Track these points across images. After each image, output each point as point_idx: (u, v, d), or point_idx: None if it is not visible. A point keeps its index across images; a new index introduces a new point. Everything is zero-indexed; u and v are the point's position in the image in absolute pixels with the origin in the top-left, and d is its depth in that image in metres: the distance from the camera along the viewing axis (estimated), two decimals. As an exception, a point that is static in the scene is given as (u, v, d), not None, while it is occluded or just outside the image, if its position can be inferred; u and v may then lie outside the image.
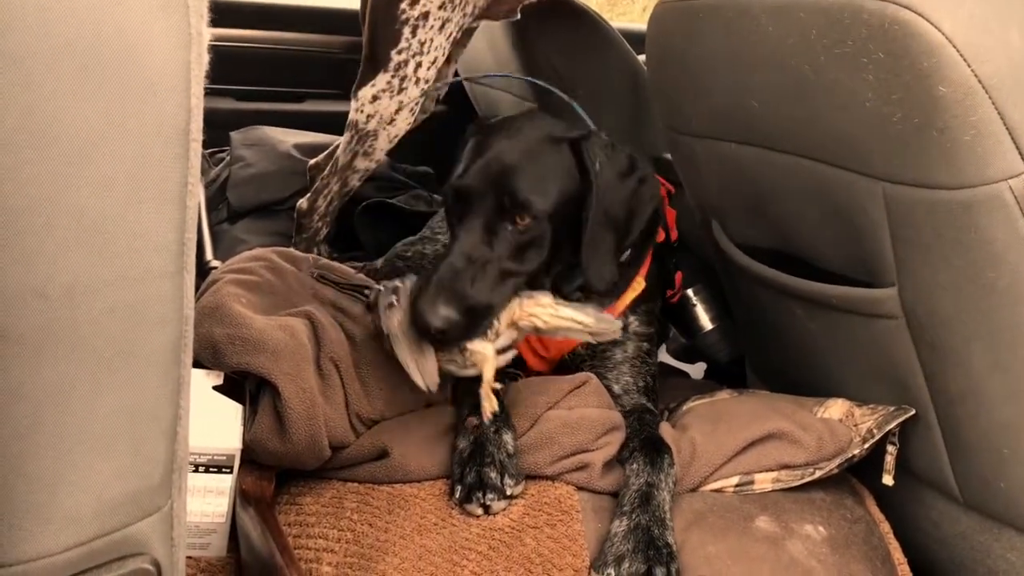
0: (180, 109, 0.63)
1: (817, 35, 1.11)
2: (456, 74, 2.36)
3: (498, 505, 1.19)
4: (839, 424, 1.35)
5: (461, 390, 1.36)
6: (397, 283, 1.29)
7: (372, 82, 1.88)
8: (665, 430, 1.36)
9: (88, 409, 0.62)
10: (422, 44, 1.85)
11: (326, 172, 2.03)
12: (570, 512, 1.20)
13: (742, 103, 1.32)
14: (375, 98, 1.88)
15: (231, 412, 1.22)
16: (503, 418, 1.27)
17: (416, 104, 1.91)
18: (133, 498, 0.67)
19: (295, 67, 2.99)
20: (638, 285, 1.50)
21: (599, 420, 1.30)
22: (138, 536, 0.68)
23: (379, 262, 2.10)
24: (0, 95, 0.54)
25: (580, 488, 1.26)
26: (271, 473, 1.24)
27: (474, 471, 1.20)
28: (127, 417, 0.65)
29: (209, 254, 2.10)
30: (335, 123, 2.00)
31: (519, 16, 2.16)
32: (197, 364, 1.25)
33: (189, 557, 1.17)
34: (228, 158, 2.58)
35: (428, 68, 1.88)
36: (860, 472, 1.38)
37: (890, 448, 1.29)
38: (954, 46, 0.98)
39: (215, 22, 0.72)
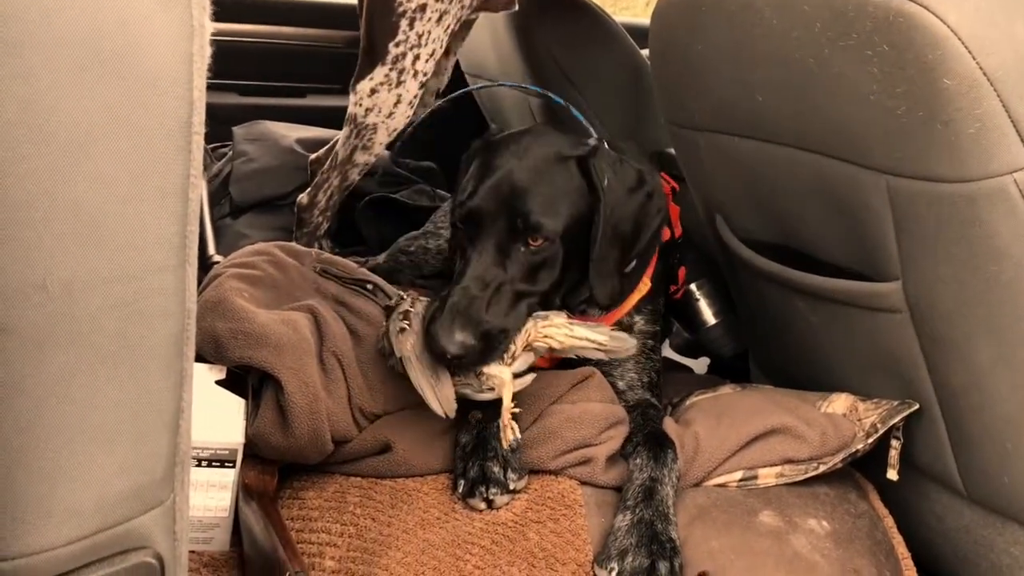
0: (182, 102, 0.62)
1: (821, 28, 1.11)
2: (457, 66, 2.36)
3: (501, 499, 1.19)
4: (843, 419, 1.34)
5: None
6: (408, 307, 1.29)
7: (370, 75, 1.87)
8: (669, 425, 1.36)
9: (90, 403, 0.62)
10: (420, 36, 1.84)
11: (326, 167, 2.02)
12: (573, 507, 1.20)
13: (746, 97, 1.31)
14: (373, 91, 1.87)
15: (234, 406, 1.22)
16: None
17: (415, 98, 1.91)
18: (135, 492, 0.67)
19: (298, 62, 2.99)
20: (644, 286, 1.50)
21: (602, 415, 1.30)
22: (140, 530, 0.68)
23: (382, 257, 2.09)
24: (-2, 87, 0.54)
25: (583, 483, 1.26)
26: (274, 467, 1.24)
27: (477, 465, 1.20)
28: (129, 411, 0.64)
29: (211, 249, 2.10)
30: (338, 118, 2.00)
31: (517, 7, 2.16)
32: (200, 359, 1.25)
33: (192, 552, 1.17)
34: (230, 153, 2.57)
35: (426, 61, 1.88)
36: (864, 466, 1.37)
37: (894, 443, 1.29)
38: (959, 39, 0.98)
39: (217, 17, 0.72)
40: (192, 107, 0.63)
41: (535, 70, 2.37)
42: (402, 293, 1.40)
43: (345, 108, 1.94)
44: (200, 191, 0.66)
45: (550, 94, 1.83)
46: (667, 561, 1.09)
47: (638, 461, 1.24)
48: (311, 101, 3.00)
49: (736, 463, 1.31)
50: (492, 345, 1.22)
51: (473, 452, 1.22)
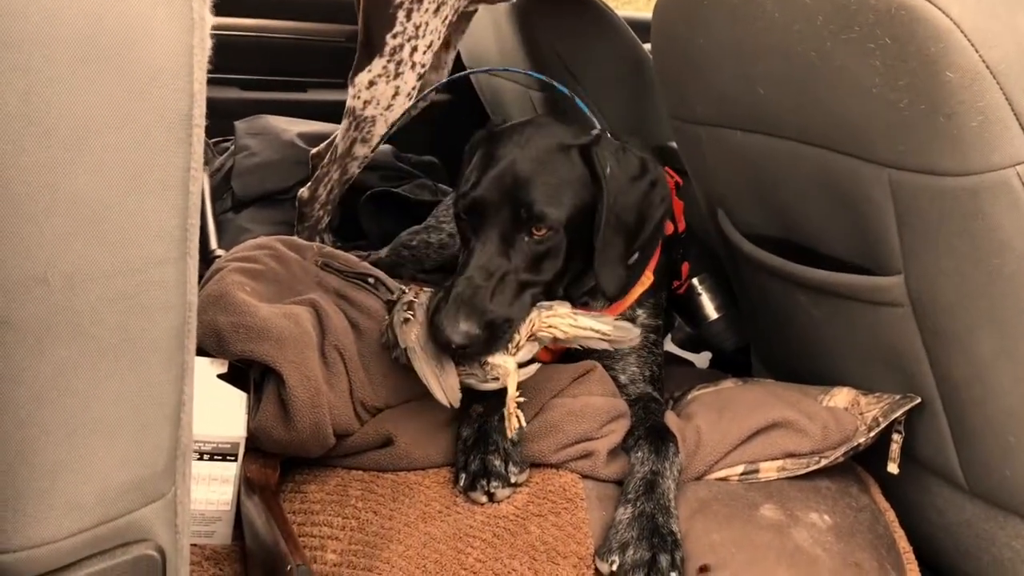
0: (182, 94, 0.62)
1: (823, 21, 1.10)
2: (458, 59, 2.35)
3: (502, 493, 1.19)
4: (844, 413, 1.34)
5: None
6: (411, 297, 1.29)
7: (368, 67, 1.87)
8: (670, 419, 1.36)
9: (91, 395, 0.62)
10: (417, 28, 1.84)
11: (326, 160, 2.02)
12: (574, 500, 1.20)
13: (747, 90, 1.31)
14: (371, 84, 1.87)
15: (235, 400, 1.22)
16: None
17: (413, 90, 1.90)
18: (137, 484, 0.67)
19: (299, 56, 2.99)
20: (646, 280, 1.50)
21: (604, 408, 1.30)
22: (142, 522, 0.68)
23: (383, 251, 2.09)
24: (-1, 80, 0.54)
25: (585, 476, 1.26)
26: (276, 461, 1.24)
27: (478, 459, 1.20)
28: (130, 403, 0.65)
29: (213, 243, 2.10)
30: (339, 112, 2.00)
31: None
32: (201, 352, 1.25)
33: (194, 545, 1.17)
34: (232, 147, 2.58)
35: (424, 52, 1.87)
36: (865, 460, 1.38)
37: (895, 436, 1.29)
38: (962, 31, 0.97)
39: (219, 11, 0.72)
40: (193, 100, 0.63)
41: (537, 64, 2.36)
42: (403, 287, 1.40)
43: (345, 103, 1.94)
44: (201, 184, 0.66)
45: (555, 83, 1.82)
46: (668, 554, 1.09)
47: (639, 455, 1.24)
48: (312, 95, 2.99)
49: (737, 457, 1.31)
50: (496, 335, 1.22)
51: (474, 446, 1.22)
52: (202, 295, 1.28)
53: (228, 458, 1.17)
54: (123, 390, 0.64)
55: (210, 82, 0.65)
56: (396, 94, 1.88)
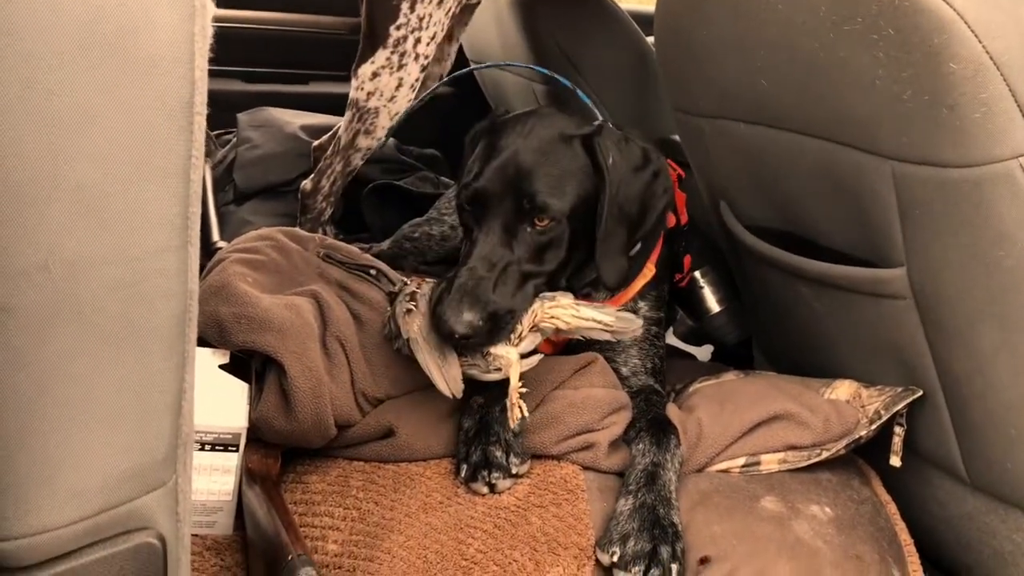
0: (184, 82, 0.62)
1: (826, 12, 1.10)
2: (460, 51, 2.35)
3: (503, 484, 1.19)
4: (846, 405, 1.34)
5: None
6: (414, 288, 1.29)
7: (371, 59, 1.87)
8: (672, 411, 1.36)
9: (92, 383, 0.62)
10: (421, 19, 1.84)
11: (329, 152, 2.02)
12: (576, 491, 1.20)
13: (750, 82, 1.31)
14: (375, 75, 1.87)
15: (237, 391, 1.22)
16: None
17: (417, 81, 1.90)
18: (138, 472, 0.67)
19: (301, 49, 2.99)
20: (649, 272, 1.50)
21: (605, 400, 1.30)
22: (143, 511, 0.68)
23: (386, 244, 2.09)
24: None
25: (586, 468, 1.26)
26: (277, 451, 1.25)
27: (480, 450, 1.20)
28: (131, 391, 0.65)
29: (216, 235, 2.10)
30: (341, 104, 2.00)
31: None
32: (203, 343, 1.25)
33: (195, 535, 1.18)
34: (235, 140, 2.58)
35: (428, 44, 1.87)
36: (867, 453, 1.37)
37: (897, 429, 1.29)
38: (965, 22, 0.97)
39: (221, 3, 0.71)
40: (194, 87, 0.63)
41: (539, 57, 2.36)
42: (405, 279, 1.40)
43: (348, 95, 1.94)
44: (202, 172, 0.66)
45: (557, 76, 1.82)
46: (669, 545, 1.09)
47: (641, 446, 1.25)
48: (314, 88, 2.99)
49: (739, 449, 1.31)
50: (499, 325, 1.22)
51: (476, 437, 1.22)
52: (204, 286, 1.28)
53: (230, 448, 1.17)
54: (124, 378, 0.64)
55: (212, 74, 0.65)
56: (399, 85, 1.88)
